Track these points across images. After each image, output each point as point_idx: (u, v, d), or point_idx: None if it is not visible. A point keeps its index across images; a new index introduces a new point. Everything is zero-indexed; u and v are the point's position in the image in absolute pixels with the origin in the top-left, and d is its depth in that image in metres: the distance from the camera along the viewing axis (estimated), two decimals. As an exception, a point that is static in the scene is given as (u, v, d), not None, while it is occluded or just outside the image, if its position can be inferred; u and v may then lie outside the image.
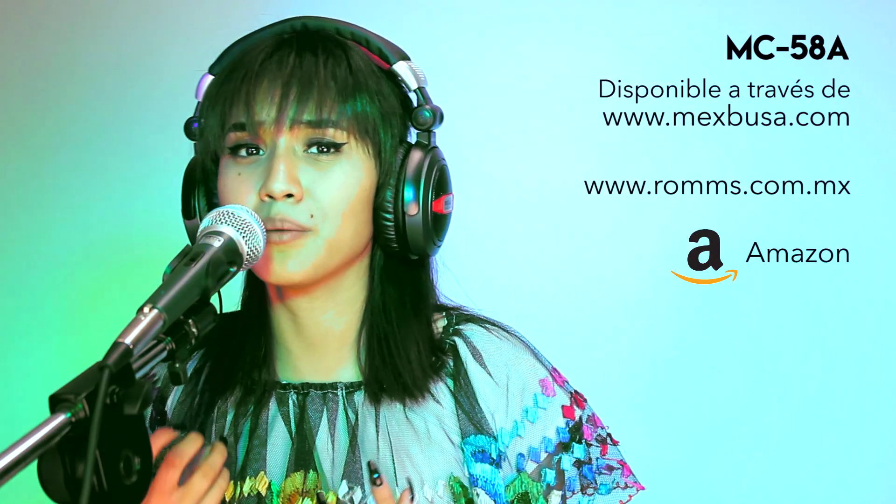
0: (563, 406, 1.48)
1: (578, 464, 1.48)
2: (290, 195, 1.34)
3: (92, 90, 2.49)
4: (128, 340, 1.06)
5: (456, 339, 1.48)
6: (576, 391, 1.52)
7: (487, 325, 1.51)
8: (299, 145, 1.36)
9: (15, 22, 2.51)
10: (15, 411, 2.41)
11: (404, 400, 1.43)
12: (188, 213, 1.45)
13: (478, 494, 1.42)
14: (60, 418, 1.00)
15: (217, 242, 1.23)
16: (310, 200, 1.35)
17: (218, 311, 1.36)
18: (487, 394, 1.46)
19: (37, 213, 2.51)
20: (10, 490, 0.99)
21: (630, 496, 1.50)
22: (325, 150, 1.36)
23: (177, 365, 1.16)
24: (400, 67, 1.43)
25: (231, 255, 1.24)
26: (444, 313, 1.51)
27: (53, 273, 2.50)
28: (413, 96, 1.45)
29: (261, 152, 1.37)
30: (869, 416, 2.32)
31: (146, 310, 1.10)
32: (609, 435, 1.52)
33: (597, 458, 1.50)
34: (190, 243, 1.44)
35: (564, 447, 1.47)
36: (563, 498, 1.47)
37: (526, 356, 1.49)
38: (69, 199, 2.49)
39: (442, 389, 1.46)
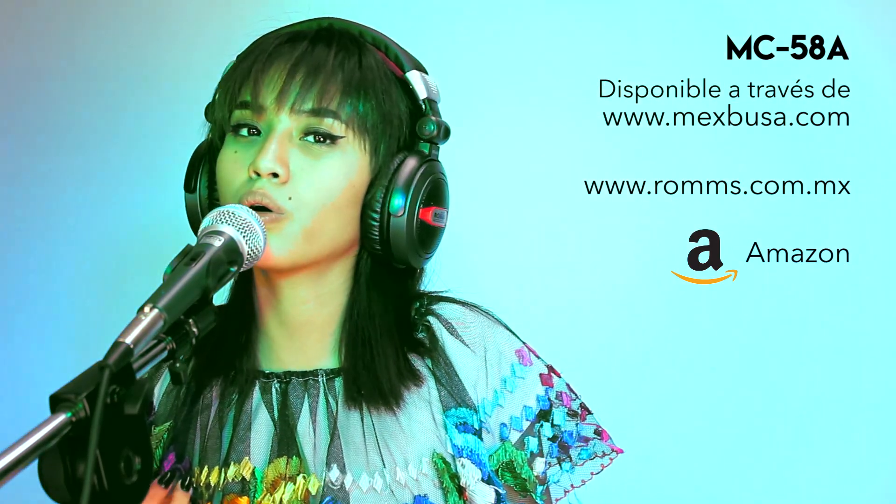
0: (540, 374, 1.50)
1: (559, 431, 1.49)
2: (275, 175, 1.35)
3: (93, 90, 2.49)
4: (128, 340, 1.06)
5: (429, 318, 1.50)
6: (549, 365, 1.53)
7: (459, 303, 1.53)
8: (297, 131, 1.38)
9: (19, 23, 2.51)
10: (15, 411, 2.41)
11: (379, 405, 1.43)
12: (189, 186, 1.47)
13: (463, 465, 1.43)
14: (61, 418, 1.00)
15: (217, 242, 1.23)
16: (293, 185, 1.36)
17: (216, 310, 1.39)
18: (466, 364, 1.47)
19: (37, 213, 2.51)
20: (10, 490, 0.99)
21: (611, 460, 1.52)
22: (321, 139, 1.38)
23: (177, 365, 1.17)
24: (412, 76, 1.45)
25: (231, 255, 1.25)
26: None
27: (53, 272, 2.49)
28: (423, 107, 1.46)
29: (261, 134, 1.39)
30: (869, 416, 2.32)
31: (146, 309, 1.10)
32: (583, 405, 1.53)
33: (577, 425, 1.51)
34: (188, 217, 1.47)
35: (545, 415, 1.49)
36: (547, 465, 1.48)
37: (500, 329, 1.51)
38: (69, 198, 2.49)
39: (420, 370, 1.46)
